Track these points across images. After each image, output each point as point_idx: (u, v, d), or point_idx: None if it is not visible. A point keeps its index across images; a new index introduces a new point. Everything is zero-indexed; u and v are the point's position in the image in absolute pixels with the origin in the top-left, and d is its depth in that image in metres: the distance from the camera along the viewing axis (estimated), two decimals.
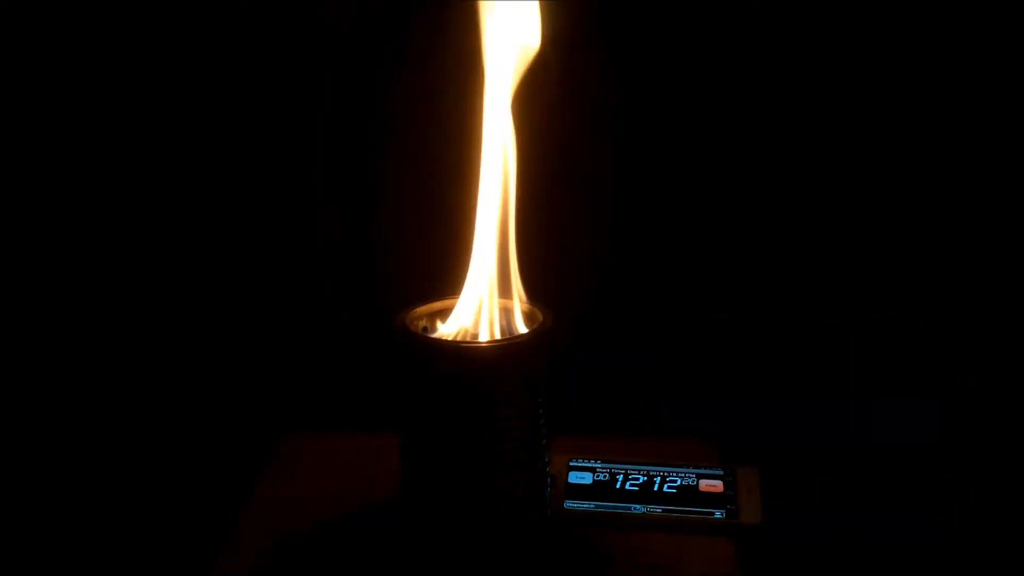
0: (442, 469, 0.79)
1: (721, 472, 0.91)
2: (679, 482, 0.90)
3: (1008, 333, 1.04)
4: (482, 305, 0.83)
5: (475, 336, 0.83)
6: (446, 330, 0.83)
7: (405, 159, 1.03)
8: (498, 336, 0.82)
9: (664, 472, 0.91)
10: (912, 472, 1.04)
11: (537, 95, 0.81)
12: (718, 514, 0.87)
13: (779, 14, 0.99)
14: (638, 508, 0.88)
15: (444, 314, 0.84)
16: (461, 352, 0.79)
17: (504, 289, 0.82)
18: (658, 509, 0.87)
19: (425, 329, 0.83)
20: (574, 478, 0.91)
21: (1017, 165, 1.01)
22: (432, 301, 0.84)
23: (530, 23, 0.79)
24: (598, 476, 0.91)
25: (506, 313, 0.83)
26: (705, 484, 0.90)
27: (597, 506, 0.88)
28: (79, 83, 1.02)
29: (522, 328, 0.82)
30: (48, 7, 1.00)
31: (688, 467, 0.92)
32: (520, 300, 0.83)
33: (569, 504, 0.88)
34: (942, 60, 0.99)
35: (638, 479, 0.90)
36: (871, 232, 1.04)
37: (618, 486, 0.90)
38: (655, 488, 0.89)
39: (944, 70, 0.99)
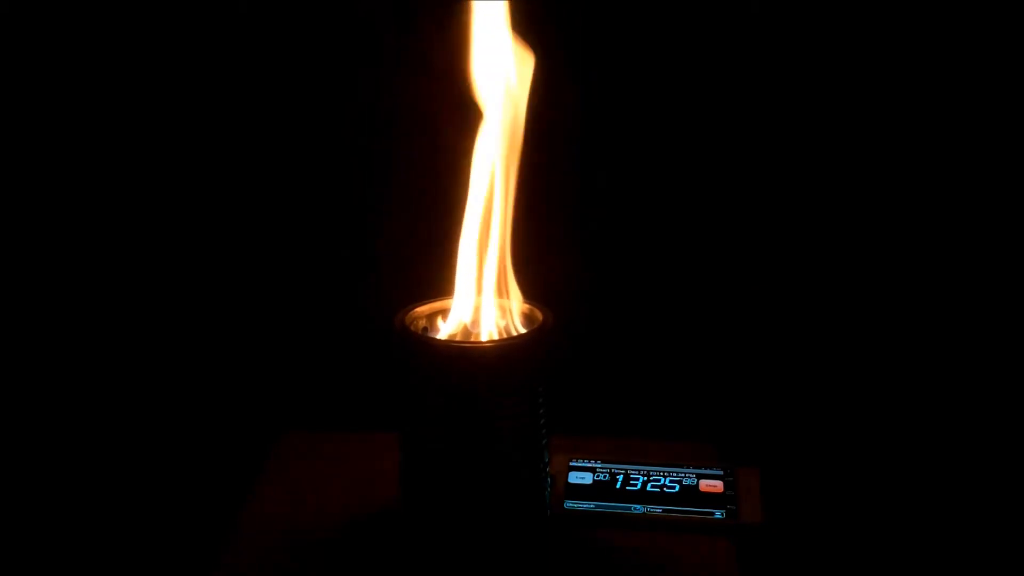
0: (442, 469, 0.79)
1: (721, 472, 0.91)
2: (679, 482, 0.90)
3: (1008, 333, 1.04)
4: (482, 305, 0.83)
5: (475, 336, 0.83)
6: (446, 330, 0.83)
7: (406, 158, 1.03)
8: (498, 336, 0.82)
9: (664, 472, 0.91)
10: (911, 472, 1.04)
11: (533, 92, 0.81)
12: (718, 514, 0.87)
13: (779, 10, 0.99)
14: (638, 508, 0.88)
15: (444, 314, 0.84)
16: (461, 352, 0.79)
17: (504, 289, 0.82)
18: (658, 509, 0.87)
19: (425, 329, 0.83)
20: (574, 478, 0.91)
21: (1017, 166, 1.01)
22: (432, 301, 0.84)
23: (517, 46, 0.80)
24: (598, 476, 0.91)
25: (506, 313, 0.83)
26: (705, 484, 0.90)
27: (597, 506, 0.88)
28: (74, 83, 1.02)
29: (522, 328, 0.82)
30: (49, 8, 1.00)
31: (688, 467, 0.92)
32: (519, 300, 0.83)
33: (569, 504, 0.88)
34: (943, 60, 0.99)
35: (638, 479, 0.90)
36: (871, 232, 1.04)
37: (618, 486, 0.90)
38: (655, 488, 0.89)
39: (944, 70, 0.99)
